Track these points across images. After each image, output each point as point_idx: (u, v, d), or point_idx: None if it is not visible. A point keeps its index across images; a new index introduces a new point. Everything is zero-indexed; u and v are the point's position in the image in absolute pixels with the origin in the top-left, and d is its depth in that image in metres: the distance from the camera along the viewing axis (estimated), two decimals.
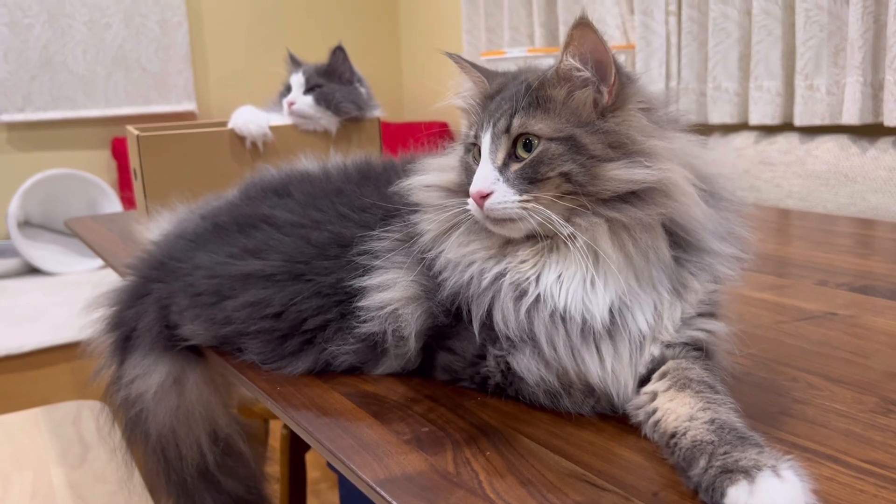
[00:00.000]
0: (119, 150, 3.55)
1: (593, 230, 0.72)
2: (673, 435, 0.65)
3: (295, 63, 1.84)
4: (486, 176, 0.75)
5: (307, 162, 1.15)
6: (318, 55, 1.88)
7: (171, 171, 1.62)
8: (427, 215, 0.83)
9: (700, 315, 0.77)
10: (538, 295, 0.73)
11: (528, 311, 0.74)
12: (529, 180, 0.74)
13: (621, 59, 2.41)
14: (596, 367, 0.73)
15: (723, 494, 0.58)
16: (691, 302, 0.76)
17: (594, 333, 0.73)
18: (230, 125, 1.73)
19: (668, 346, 0.75)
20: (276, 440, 1.88)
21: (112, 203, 3.39)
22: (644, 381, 0.75)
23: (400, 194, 0.88)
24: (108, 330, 1.03)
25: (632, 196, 0.72)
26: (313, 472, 2.40)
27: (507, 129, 0.76)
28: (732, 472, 0.58)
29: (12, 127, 3.44)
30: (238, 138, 1.72)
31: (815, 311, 1.05)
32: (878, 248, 1.49)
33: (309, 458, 1.85)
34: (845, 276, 1.22)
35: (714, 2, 2.36)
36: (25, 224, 3.41)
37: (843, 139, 2.07)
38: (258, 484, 1.14)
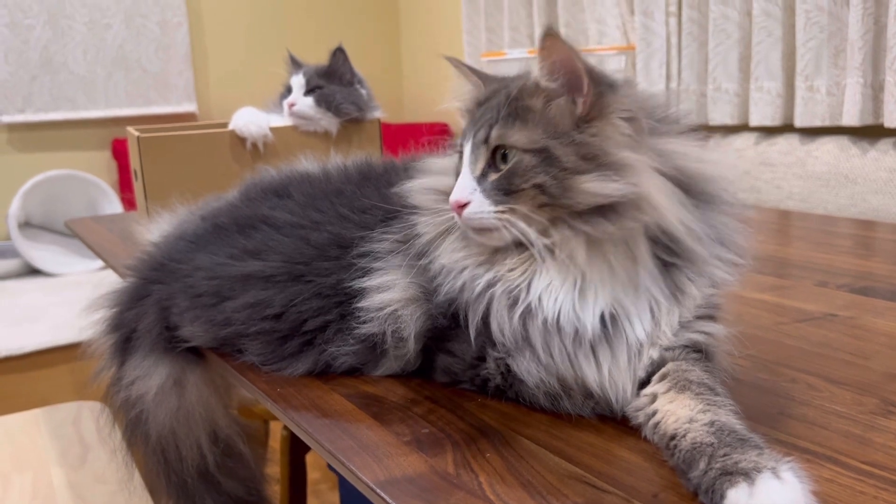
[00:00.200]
0: (119, 151, 3.55)
1: (570, 244, 0.72)
2: (673, 437, 0.65)
3: (295, 64, 1.84)
4: (464, 185, 0.75)
5: (307, 163, 1.15)
6: (319, 56, 1.88)
7: (171, 172, 1.62)
8: (424, 218, 0.83)
9: (699, 318, 0.77)
10: (529, 303, 0.73)
11: (522, 318, 0.74)
12: (505, 191, 0.73)
13: (619, 62, 2.41)
14: (593, 374, 0.73)
15: (722, 496, 0.58)
16: (689, 307, 0.76)
17: (587, 341, 0.73)
18: (231, 126, 1.73)
19: (668, 348, 0.75)
20: (276, 441, 1.88)
21: (112, 204, 3.39)
22: (644, 383, 0.75)
23: (400, 195, 0.87)
24: (109, 331, 1.04)
25: (606, 209, 0.71)
26: (313, 473, 2.40)
27: (486, 140, 0.76)
28: (732, 473, 0.58)
29: (13, 128, 3.45)
30: (238, 139, 1.72)
31: (816, 313, 1.05)
32: (879, 250, 1.49)
33: (309, 459, 1.85)
34: (845, 278, 1.22)
35: (714, 3, 2.36)
36: (26, 225, 3.41)
37: (844, 140, 2.07)
38: (258, 485, 1.14)
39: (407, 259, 0.82)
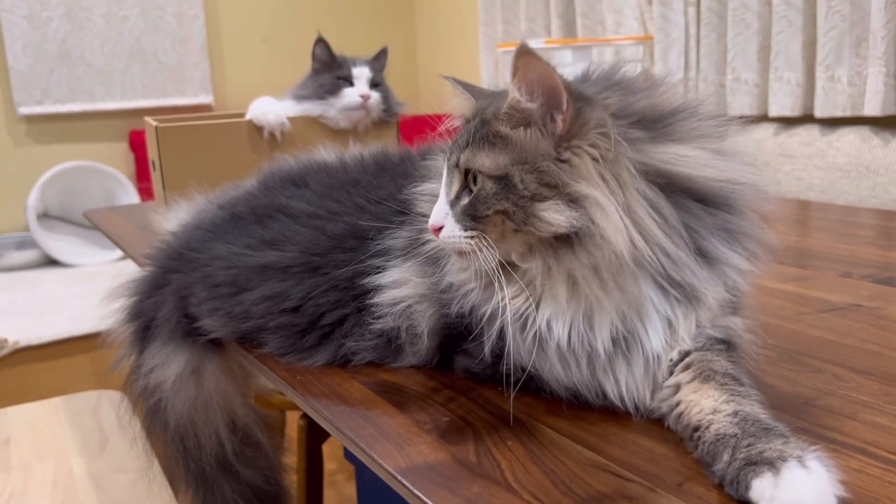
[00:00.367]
0: (136, 143, 3.57)
1: (547, 272, 0.70)
2: (696, 428, 0.64)
3: (329, 51, 1.84)
4: (439, 209, 0.75)
5: (325, 152, 1.15)
6: (335, 47, 1.88)
7: (189, 161, 1.62)
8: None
9: (718, 315, 0.75)
10: (539, 327, 0.72)
11: (535, 340, 0.72)
12: (472, 217, 0.72)
13: (636, 53, 2.39)
14: (612, 386, 0.72)
15: (748, 487, 0.57)
16: (704, 313, 0.73)
17: (602, 359, 0.71)
18: (248, 115, 1.74)
19: (693, 339, 0.74)
20: (292, 431, 1.89)
21: (129, 195, 3.41)
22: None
23: (408, 201, 0.87)
24: (128, 320, 1.04)
25: (571, 238, 0.68)
26: (330, 463, 2.40)
27: (457, 164, 0.74)
28: (757, 464, 0.57)
29: (31, 119, 3.47)
30: (256, 128, 1.72)
31: (840, 303, 1.04)
32: None
33: (326, 449, 1.85)
34: (869, 268, 1.20)
35: None
36: (44, 216, 3.44)
37: (865, 131, 2.04)
38: (276, 474, 1.14)
39: (422, 256, 0.82)
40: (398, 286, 0.83)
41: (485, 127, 0.73)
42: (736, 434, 0.61)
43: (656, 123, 0.72)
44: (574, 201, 0.68)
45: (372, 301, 0.83)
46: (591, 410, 0.74)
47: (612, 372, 0.72)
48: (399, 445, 0.68)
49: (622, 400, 0.73)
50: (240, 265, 0.93)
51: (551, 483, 0.61)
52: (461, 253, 0.74)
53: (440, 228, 0.74)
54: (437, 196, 0.78)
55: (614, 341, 0.71)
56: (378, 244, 0.86)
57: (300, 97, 1.82)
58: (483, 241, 0.72)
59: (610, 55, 2.53)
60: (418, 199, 0.86)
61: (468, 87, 0.84)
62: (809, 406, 0.74)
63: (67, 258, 3.26)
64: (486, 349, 0.76)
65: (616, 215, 0.67)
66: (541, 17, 3.11)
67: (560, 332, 0.71)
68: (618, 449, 0.66)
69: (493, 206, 0.70)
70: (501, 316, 0.73)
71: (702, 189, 0.72)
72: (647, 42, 2.55)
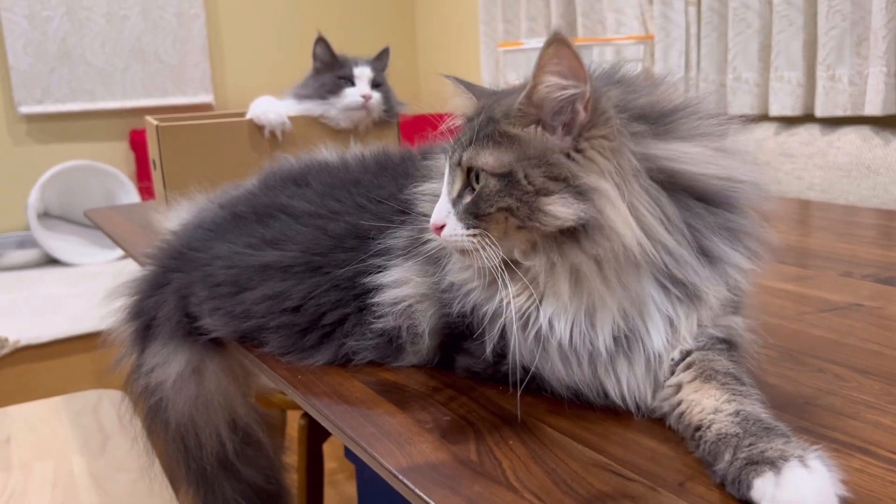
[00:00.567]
0: (137, 142, 3.57)
1: (550, 269, 0.70)
2: (698, 428, 0.64)
3: (330, 51, 1.84)
4: (441, 207, 0.74)
5: (326, 152, 1.15)
6: (336, 47, 1.88)
7: (190, 160, 1.62)
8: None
9: (719, 315, 0.75)
10: (541, 327, 0.71)
11: (537, 339, 0.72)
12: (474, 215, 0.72)
13: (637, 52, 2.39)
14: (613, 385, 0.72)
15: (749, 487, 0.57)
16: (706, 311, 0.73)
17: (603, 359, 0.71)
18: (249, 115, 1.74)
19: (694, 339, 0.74)
20: (293, 430, 1.89)
21: (130, 194, 3.41)
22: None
23: (409, 202, 0.87)
24: (129, 319, 1.04)
25: (577, 232, 0.68)
26: (330, 462, 2.40)
27: (460, 162, 0.74)
28: (758, 463, 0.57)
29: (31, 119, 3.47)
30: (257, 128, 1.72)
31: (840, 303, 1.04)
32: None
33: (326, 449, 1.85)
34: (870, 268, 1.20)
35: None
36: (45, 215, 3.44)
37: (866, 130, 2.04)
38: (277, 473, 1.14)
39: (423, 255, 0.82)
40: (399, 285, 0.83)
41: (490, 125, 0.73)
42: (737, 433, 0.61)
43: (658, 120, 0.72)
44: (582, 194, 0.68)
45: (373, 300, 0.83)
46: (592, 410, 0.73)
47: (613, 371, 0.72)
48: (400, 444, 0.68)
49: (623, 399, 0.72)
50: (241, 264, 0.93)
51: (552, 482, 0.61)
52: (463, 251, 0.74)
53: (442, 227, 0.74)
54: (438, 195, 0.78)
55: (616, 340, 0.71)
56: (379, 244, 0.86)
57: (301, 97, 1.82)
58: (485, 239, 0.71)
59: (610, 55, 2.53)
60: (419, 198, 0.86)
61: (469, 86, 0.84)
62: (811, 405, 0.74)
63: (68, 257, 3.26)
64: (488, 349, 0.76)
65: (624, 208, 0.68)
66: (541, 16, 3.11)
67: (562, 330, 0.71)
68: (619, 448, 0.66)
69: (497, 203, 0.70)
70: (504, 315, 0.73)
71: (703, 187, 0.72)
72: (648, 41, 2.55)
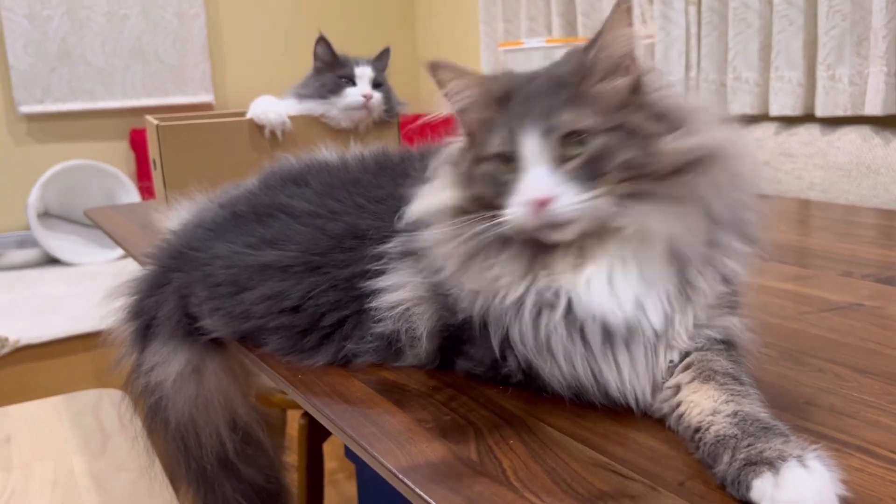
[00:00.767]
0: (137, 142, 3.57)
1: (647, 214, 0.70)
2: (697, 430, 0.64)
3: (331, 50, 1.84)
4: (544, 180, 0.70)
5: (326, 152, 1.14)
6: (336, 46, 1.88)
7: (190, 160, 1.62)
8: (443, 248, 0.77)
9: (717, 314, 0.75)
10: (561, 307, 0.71)
11: (546, 328, 0.72)
12: (588, 177, 0.70)
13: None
14: (615, 380, 0.72)
15: (748, 488, 0.57)
16: (701, 304, 0.74)
17: (614, 340, 0.71)
18: (249, 114, 1.74)
19: (690, 338, 0.74)
20: (293, 430, 1.89)
21: (130, 194, 3.41)
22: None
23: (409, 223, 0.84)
24: (129, 318, 1.04)
25: (686, 167, 0.71)
26: (330, 462, 2.40)
27: (553, 129, 0.71)
28: (757, 464, 0.57)
29: (31, 118, 3.47)
30: (257, 127, 1.72)
31: (840, 302, 1.04)
32: None
33: (326, 448, 1.85)
34: (870, 267, 1.20)
35: None
36: (45, 215, 3.44)
37: (866, 130, 2.04)
38: (277, 473, 1.14)
39: (420, 263, 0.81)
40: (396, 289, 0.82)
41: (567, 88, 0.73)
42: (735, 435, 0.61)
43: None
44: (685, 126, 0.72)
45: (371, 305, 0.83)
46: (592, 409, 0.74)
47: (615, 363, 0.72)
48: (400, 444, 0.68)
49: (623, 395, 0.72)
50: (240, 264, 0.93)
51: (553, 482, 0.61)
52: (561, 226, 0.71)
53: (547, 201, 0.70)
54: (441, 210, 0.77)
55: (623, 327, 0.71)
56: (377, 248, 0.85)
57: (302, 96, 1.82)
58: (602, 199, 0.70)
59: None
60: (418, 220, 0.81)
61: (465, 69, 0.82)
62: (810, 405, 0.74)
63: (68, 257, 3.26)
64: (495, 343, 0.75)
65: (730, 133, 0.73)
66: (542, 15, 3.11)
67: (589, 300, 0.71)
68: (619, 448, 0.66)
69: (619, 156, 0.70)
70: (522, 300, 0.72)
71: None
72: (648, 41, 2.55)
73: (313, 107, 1.79)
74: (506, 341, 0.75)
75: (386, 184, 0.95)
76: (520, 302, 0.73)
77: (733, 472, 0.58)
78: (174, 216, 1.28)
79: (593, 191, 0.70)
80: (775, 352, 0.86)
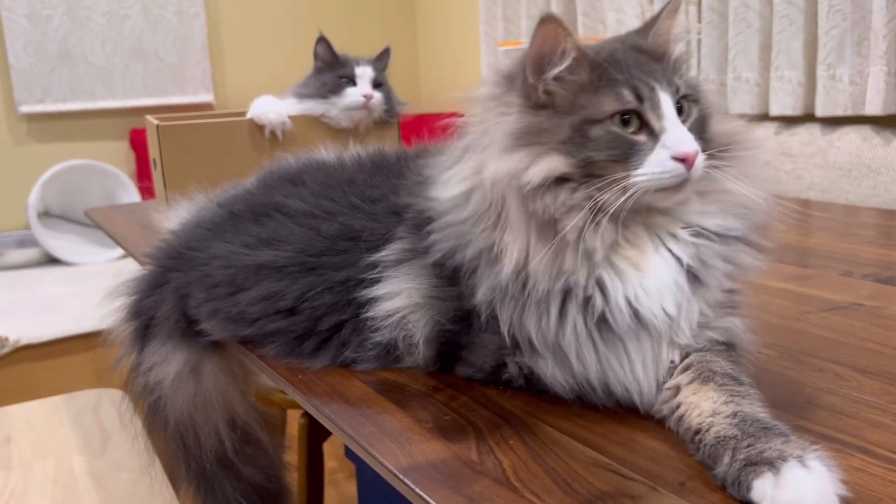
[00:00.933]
0: (137, 142, 3.57)
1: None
2: (697, 431, 0.64)
3: (331, 50, 1.84)
4: (689, 134, 0.71)
5: (324, 151, 1.14)
6: (336, 46, 1.88)
7: (190, 160, 1.62)
8: (568, 220, 0.70)
9: (718, 315, 0.75)
10: (597, 293, 0.70)
11: (562, 320, 0.71)
12: (701, 140, 0.73)
13: None
14: (622, 375, 0.72)
15: (749, 488, 0.57)
16: (708, 299, 0.74)
17: (628, 333, 0.71)
18: (249, 114, 1.74)
19: (693, 336, 0.74)
20: (293, 429, 1.89)
21: (130, 194, 3.41)
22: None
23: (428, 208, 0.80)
24: (128, 318, 1.04)
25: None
26: (330, 462, 2.40)
27: (675, 91, 0.73)
28: (757, 464, 0.57)
29: (32, 118, 3.47)
30: (257, 127, 1.72)
31: (841, 302, 1.04)
32: None
33: (326, 447, 1.85)
34: (870, 267, 1.20)
35: None
36: (45, 214, 3.44)
37: (866, 130, 2.04)
38: (277, 472, 1.14)
39: (417, 267, 0.81)
40: (392, 297, 0.82)
41: (660, 59, 0.76)
42: (735, 435, 0.61)
43: None
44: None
45: (368, 314, 0.83)
46: (593, 410, 0.73)
47: (626, 355, 0.71)
48: (400, 444, 0.68)
49: (629, 392, 0.72)
50: (237, 264, 0.92)
51: (553, 482, 0.61)
52: (694, 183, 0.71)
53: (697, 155, 0.70)
54: (547, 181, 0.70)
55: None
56: (371, 256, 0.84)
57: (302, 96, 1.82)
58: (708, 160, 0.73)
59: None
60: (519, 199, 0.71)
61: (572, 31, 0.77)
62: (811, 405, 0.74)
63: (68, 257, 3.26)
64: (504, 329, 0.73)
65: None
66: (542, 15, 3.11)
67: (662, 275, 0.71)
68: (620, 448, 0.66)
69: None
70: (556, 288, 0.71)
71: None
72: None
73: (313, 107, 1.79)
74: (517, 328, 0.73)
75: (380, 183, 0.95)
76: (554, 291, 0.71)
77: (734, 472, 0.58)
78: (174, 216, 1.28)
79: (703, 153, 0.71)
80: (775, 352, 0.86)
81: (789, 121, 2.27)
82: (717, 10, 2.44)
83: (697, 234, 0.73)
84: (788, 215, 0.77)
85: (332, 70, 1.83)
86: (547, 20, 0.72)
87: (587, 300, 0.70)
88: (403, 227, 0.84)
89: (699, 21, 2.48)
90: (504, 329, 0.74)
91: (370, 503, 1.69)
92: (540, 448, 0.67)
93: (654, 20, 0.78)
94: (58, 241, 3.31)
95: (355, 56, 1.85)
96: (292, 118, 1.76)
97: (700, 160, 0.70)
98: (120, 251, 3.19)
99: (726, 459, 0.59)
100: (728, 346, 0.75)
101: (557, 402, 0.75)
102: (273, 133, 1.73)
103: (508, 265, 0.71)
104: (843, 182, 2.04)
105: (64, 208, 3.49)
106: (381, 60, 1.87)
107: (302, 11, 3.89)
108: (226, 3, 3.78)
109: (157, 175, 1.73)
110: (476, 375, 0.81)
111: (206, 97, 3.70)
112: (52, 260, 3.27)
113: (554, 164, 0.70)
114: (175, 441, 1.03)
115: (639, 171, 0.69)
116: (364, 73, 1.79)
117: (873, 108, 2.00)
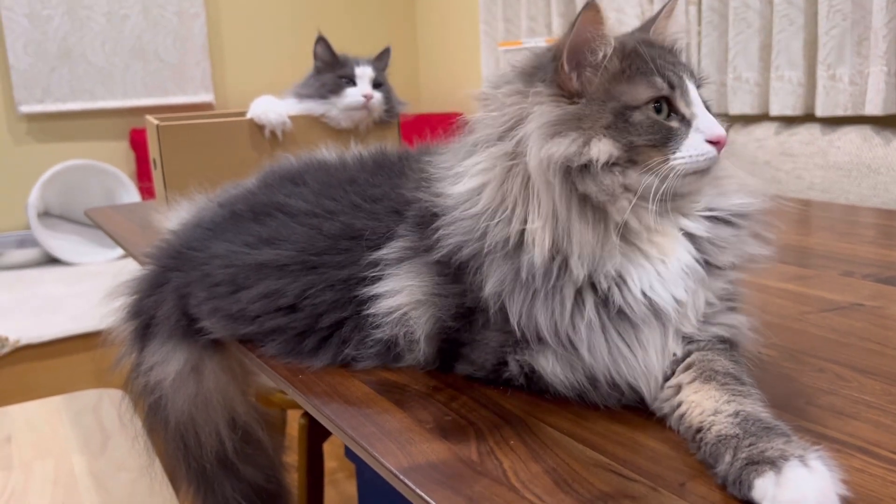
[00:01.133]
0: (137, 142, 3.57)
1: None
2: (698, 430, 0.64)
3: (331, 50, 1.84)
4: (715, 120, 0.75)
5: (325, 151, 1.14)
6: (336, 46, 1.88)
7: (190, 160, 1.62)
8: (620, 202, 0.71)
9: (721, 311, 0.76)
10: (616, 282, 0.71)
11: (576, 308, 0.71)
12: None
13: None
14: (634, 363, 0.72)
15: (750, 487, 0.57)
16: (715, 288, 0.74)
17: (643, 320, 0.71)
18: (249, 114, 1.74)
19: (692, 340, 0.74)
20: (293, 430, 1.89)
21: (130, 194, 3.41)
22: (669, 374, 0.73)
23: (427, 199, 0.81)
24: (129, 318, 1.04)
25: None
26: (330, 462, 2.40)
27: (696, 80, 0.78)
28: (758, 463, 0.57)
29: (32, 118, 3.47)
30: (257, 127, 1.72)
31: (841, 302, 1.04)
32: None
33: (326, 448, 1.85)
34: (870, 267, 1.20)
35: None
36: (45, 214, 3.44)
37: (866, 130, 2.04)
38: (277, 472, 1.14)
39: (419, 265, 0.81)
40: (393, 294, 0.82)
41: (673, 52, 0.79)
42: (737, 434, 0.61)
43: None
44: None
45: (369, 311, 0.83)
46: (593, 410, 0.73)
47: (639, 343, 0.72)
48: (401, 444, 0.68)
49: (637, 383, 0.72)
50: (238, 263, 0.92)
51: (553, 482, 0.61)
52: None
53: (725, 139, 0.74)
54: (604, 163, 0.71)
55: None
56: (373, 254, 0.84)
57: (302, 96, 1.82)
58: None
59: None
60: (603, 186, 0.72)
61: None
62: (811, 405, 0.74)
63: (68, 257, 3.26)
64: (513, 320, 0.73)
65: None
66: (542, 15, 3.11)
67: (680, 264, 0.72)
68: (620, 448, 0.66)
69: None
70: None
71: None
72: None
73: (313, 107, 1.79)
74: (508, 331, 0.74)
75: (382, 183, 0.95)
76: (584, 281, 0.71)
77: (735, 471, 0.58)
78: (174, 216, 1.28)
79: None
80: (776, 352, 0.86)
81: (789, 121, 2.28)
82: (717, 10, 2.44)
83: (711, 218, 0.75)
84: (783, 207, 0.80)
85: (332, 70, 1.83)
86: (590, 6, 0.72)
87: (608, 288, 0.71)
88: (405, 225, 0.85)
89: (699, 21, 2.48)
90: (514, 321, 0.73)
91: (370, 503, 1.69)
92: (540, 448, 0.67)
93: (653, 20, 0.80)
94: (58, 241, 3.31)
95: (355, 56, 1.85)
96: (292, 118, 1.76)
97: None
98: (120, 251, 3.19)
99: (727, 458, 0.59)
100: (730, 346, 0.75)
101: (557, 402, 0.75)
102: (273, 133, 1.73)
103: (540, 252, 0.71)
104: (843, 182, 2.04)
105: (64, 208, 3.49)
106: (380, 60, 1.87)
107: (302, 11, 3.89)
108: (226, 3, 3.78)
109: (157, 175, 1.73)
110: (476, 373, 0.81)
111: (206, 97, 3.70)
112: (52, 260, 3.27)
113: (607, 146, 0.71)
114: (175, 441, 1.03)
115: (677, 155, 0.72)
116: (364, 73, 1.79)
117: (873, 108, 2.00)
